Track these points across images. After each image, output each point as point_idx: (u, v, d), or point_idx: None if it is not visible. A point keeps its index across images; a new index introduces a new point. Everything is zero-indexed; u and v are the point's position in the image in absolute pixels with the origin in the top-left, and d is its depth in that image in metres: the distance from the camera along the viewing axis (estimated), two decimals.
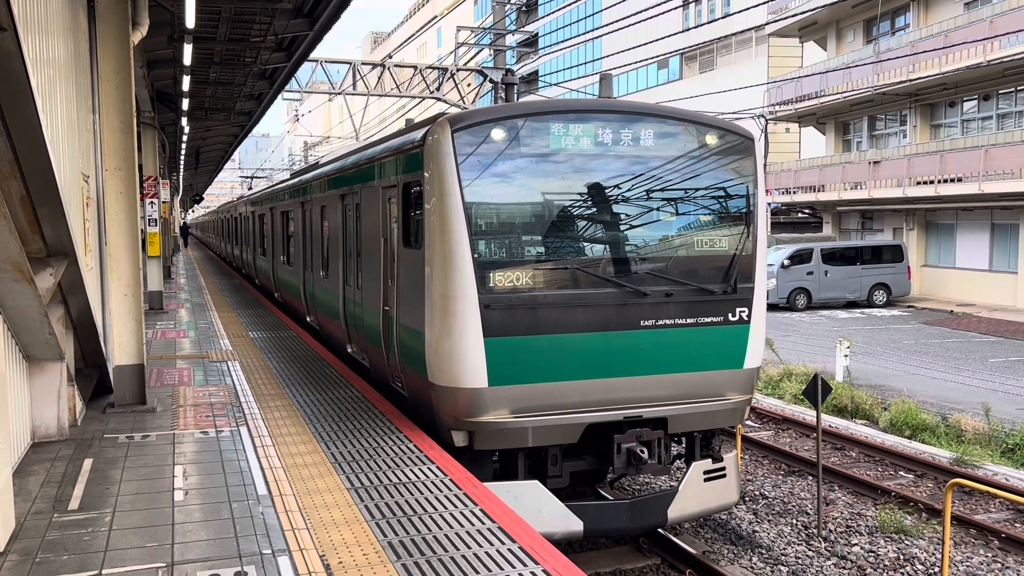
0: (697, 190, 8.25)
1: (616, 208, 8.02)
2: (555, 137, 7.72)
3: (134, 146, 9.01)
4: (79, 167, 7.81)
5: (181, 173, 39.09)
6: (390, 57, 28.49)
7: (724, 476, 8.47)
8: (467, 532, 5.59)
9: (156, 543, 5.44)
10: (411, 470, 6.92)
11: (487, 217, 7.55)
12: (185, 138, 26.12)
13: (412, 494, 6.33)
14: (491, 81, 26.33)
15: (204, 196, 71.27)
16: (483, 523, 5.75)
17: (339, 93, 27.13)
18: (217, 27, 12.73)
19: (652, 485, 10.91)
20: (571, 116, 7.82)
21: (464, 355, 7.37)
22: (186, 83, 15.40)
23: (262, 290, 23.40)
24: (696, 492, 8.26)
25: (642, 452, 7.79)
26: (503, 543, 5.40)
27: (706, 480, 8.34)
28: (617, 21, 20.50)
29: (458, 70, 27.40)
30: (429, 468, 6.97)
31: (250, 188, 52.99)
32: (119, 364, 9.10)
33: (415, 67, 28.05)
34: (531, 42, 58.84)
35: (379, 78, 27.41)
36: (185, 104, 18.14)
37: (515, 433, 7.54)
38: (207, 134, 27.92)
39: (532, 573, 4.97)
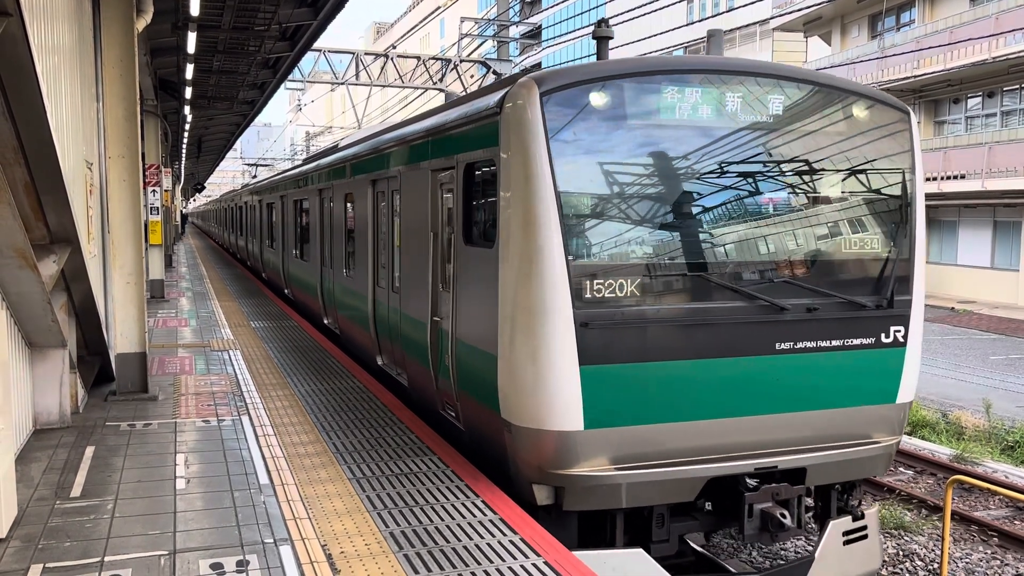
0: (844, 175, 6.67)
1: (744, 197, 6.40)
2: (669, 104, 6.14)
3: (137, 134, 9.00)
4: (83, 154, 7.80)
5: (183, 162, 39.04)
6: (393, 48, 28.43)
7: (866, 537, 7.00)
8: (469, 523, 5.60)
9: (158, 531, 5.44)
10: (413, 461, 6.92)
11: (585, 208, 5.96)
12: (187, 127, 26.08)
13: (414, 485, 6.34)
14: (495, 73, 26.27)
15: (206, 185, 71.24)
16: (485, 514, 5.76)
17: (342, 83, 27.10)
18: (221, 15, 12.71)
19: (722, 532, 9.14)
20: (690, 77, 6.22)
21: (553, 388, 5.82)
22: (189, 71, 15.38)
23: (269, 285, 22.06)
24: (836, 559, 6.79)
25: (783, 516, 6.22)
26: (505, 534, 5.41)
27: (845, 543, 6.87)
28: (621, 14, 20.44)
29: (461, 61, 27.34)
30: (431, 459, 6.97)
31: (255, 176, 52.92)
32: (121, 352, 9.10)
33: (418, 58, 28.00)
34: (535, 34, 58.70)
35: (382, 69, 27.36)
36: (188, 92, 18.12)
37: (616, 490, 6.02)
38: (209, 123, 27.88)
39: (534, 564, 4.98)
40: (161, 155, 18.94)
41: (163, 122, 20.17)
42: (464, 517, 5.71)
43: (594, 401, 5.87)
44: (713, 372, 6.15)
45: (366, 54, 27.68)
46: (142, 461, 6.93)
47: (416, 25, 27.73)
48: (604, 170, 6.05)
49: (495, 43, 31.02)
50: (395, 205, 9.25)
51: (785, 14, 34.40)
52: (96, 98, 8.80)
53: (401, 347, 8.93)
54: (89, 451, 7.19)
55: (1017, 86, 28.02)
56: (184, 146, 32.15)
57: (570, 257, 5.82)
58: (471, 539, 5.35)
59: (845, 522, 6.90)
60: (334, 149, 14.34)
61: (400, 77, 27.33)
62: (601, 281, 5.89)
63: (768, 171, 6.47)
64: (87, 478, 6.49)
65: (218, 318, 15.62)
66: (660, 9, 18.27)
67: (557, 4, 55.36)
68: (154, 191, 16.86)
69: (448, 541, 5.31)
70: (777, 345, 6.31)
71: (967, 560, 8.64)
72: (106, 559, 5.03)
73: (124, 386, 9.13)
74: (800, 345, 6.37)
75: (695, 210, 6.29)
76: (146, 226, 16.09)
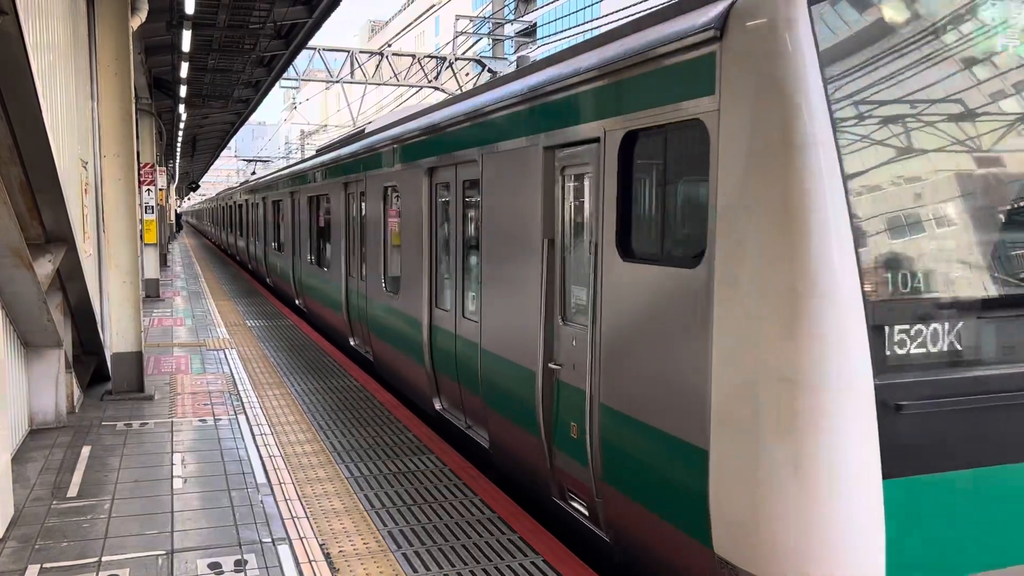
0: None
1: None
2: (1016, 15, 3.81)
3: (133, 132, 8.98)
4: (78, 153, 7.78)
5: (177, 160, 38.98)
6: (388, 46, 28.40)
7: None
8: (467, 521, 5.60)
9: (155, 531, 5.43)
10: (411, 460, 6.91)
11: (894, 201, 3.60)
12: (182, 125, 26.04)
13: (412, 484, 6.33)
14: (490, 71, 26.26)
15: (200, 184, 71.15)
16: (483, 512, 5.75)
17: (337, 81, 27.05)
18: (216, 14, 12.70)
19: None
20: None
21: (833, 516, 3.49)
22: (184, 70, 15.35)
23: (275, 292, 20.16)
24: None
25: None
26: (503, 533, 5.41)
27: None
28: (617, 12, 20.44)
29: (456, 59, 27.32)
30: (429, 458, 6.97)
31: (254, 173, 52.83)
32: (117, 351, 9.08)
33: (413, 56, 27.96)
34: (530, 31, 58.72)
35: (377, 67, 27.31)
36: (183, 91, 18.10)
37: None
38: (204, 121, 27.85)
39: (532, 563, 4.98)
40: (156, 154, 18.90)
41: (158, 120, 20.13)
42: (463, 515, 5.71)
43: (905, 537, 3.56)
44: None
45: (361, 52, 27.64)
46: (139, 461, 6.91)
47: (411, 23, 27.68)
48: (919, 133, 3.63)
49: (490, 41, 31.03)
50: (468, 200, 7.21)
51: None
52: (91, 96, 8.77)
53: (481, 397, 6.81)
54: (85, 451, 7.17)
55: None
56: (179, 145, 32.10)
57: (867, 288, 3.45)
58: (469, 537, 5.34)
59: None
60: (360, 135, 12.13)
61: (395, 75, 27.30)
62: (915, 328, 3.54)
63: None
64: (83, 478, 6.47)
65: (214, 317, 15.59)
66: (655, 7, 18.27)
67: (551, 2, 55.38)
68: (149, 190, 16.81)
69: (447, 540, 5.31)
70: None
71: None
72: (103, 559, 5.01)
73: (120, 385, 9.11)
74: None
75: None
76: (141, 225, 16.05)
